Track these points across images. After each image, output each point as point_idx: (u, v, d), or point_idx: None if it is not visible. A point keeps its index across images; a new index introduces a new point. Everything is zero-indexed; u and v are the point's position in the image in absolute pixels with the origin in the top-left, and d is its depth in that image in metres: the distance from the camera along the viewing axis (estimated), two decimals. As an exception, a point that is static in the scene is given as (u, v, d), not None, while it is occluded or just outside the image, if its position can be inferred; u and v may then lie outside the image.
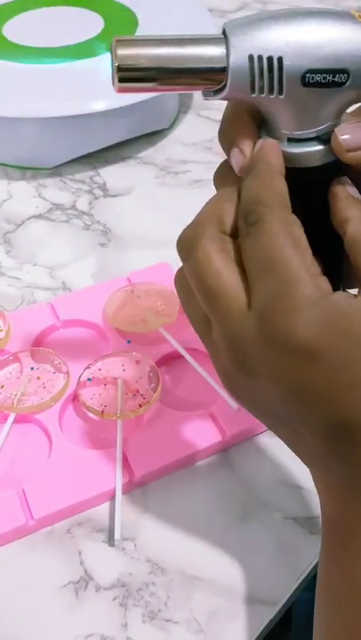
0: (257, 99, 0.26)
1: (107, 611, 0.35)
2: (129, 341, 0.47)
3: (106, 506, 0.39)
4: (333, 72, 0.25)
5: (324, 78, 0.26)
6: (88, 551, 0.37)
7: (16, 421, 0.42)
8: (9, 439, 0.41)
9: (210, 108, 0.73)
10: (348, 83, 0.26)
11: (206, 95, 0.27)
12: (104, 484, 0.39)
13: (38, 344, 0.47)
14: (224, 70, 0.25)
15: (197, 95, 0.75)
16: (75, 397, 0.44)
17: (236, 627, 0.35)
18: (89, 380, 0.44)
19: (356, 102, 0.27)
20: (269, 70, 0.25)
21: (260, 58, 0.25)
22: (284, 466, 0.41)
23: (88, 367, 0.44)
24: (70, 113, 0.60)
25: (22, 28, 0.70)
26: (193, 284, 0.27)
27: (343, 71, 0.25)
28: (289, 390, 0.25)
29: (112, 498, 0.39)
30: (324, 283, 0.25)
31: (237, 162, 0.27)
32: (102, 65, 0.64)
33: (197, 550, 0.37)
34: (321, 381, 0.24)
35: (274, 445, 0.42)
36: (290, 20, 0.25)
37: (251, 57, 0.25)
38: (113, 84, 0.26)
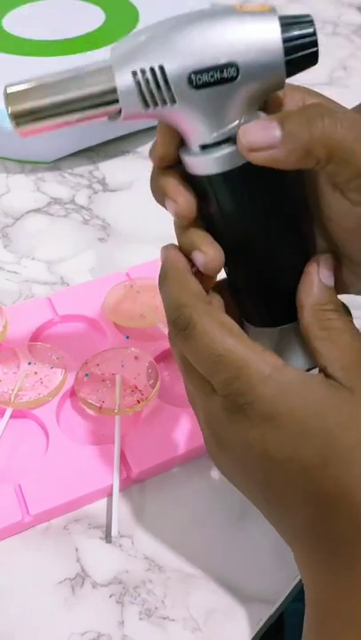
0: (154, 113, 0.26)
1: (103, 608, 0.35)
2: (127, 337, 0.46)
3: (103, 502, 0.39)
4: (220, 68, 0.25)
5: (212, 76, 0.25)
6: (85, 548, 0.37)
7: (13, 417, 0.41)
8: (6, 434, 0.41)
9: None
10: (239, 76, 0.25)
11: (112, 119, 0.27)
12: (101, 480, 0.39)
13: (36, 339, 0.47)
14: (115, 94, 0.26)
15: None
16: (72, 393, 0.43)
17: (234, 625, 0.34)
18: (87, 375, 0.43)
19: (259, 96, 0.26)
20: (155, 82, 0.25)
21: (142, 71, 0.25)
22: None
23: (86, 363, 0.44)
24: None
25: (22, 21, 0.69)
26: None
27: (230, 65, 0.25)
28: (259, 462, 0.27)
29: (109, 494, 0.39)
30: (271, 356, 0.27)
31: (172, 210, 0.29)
32: (102, 58, 0.64)
33: (195, 548, 0.37)
34: (286, 450, 0.26)
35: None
36: (167, 28, 0.26)
37: (134, 72, 0.25)
38: (14, 127, 0.26)
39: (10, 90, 0.26)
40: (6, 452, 0.41)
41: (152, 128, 0.68)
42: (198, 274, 0.30)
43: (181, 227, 0.30)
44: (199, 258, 0.29)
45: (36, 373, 0.44)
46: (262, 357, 0.27)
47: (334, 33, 0.85)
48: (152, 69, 0.25)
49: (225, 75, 0.25)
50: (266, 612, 0.35)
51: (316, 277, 0.29)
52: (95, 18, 0.69)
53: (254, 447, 0.27)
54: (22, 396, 0.42)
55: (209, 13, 0.26)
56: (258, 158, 0.26)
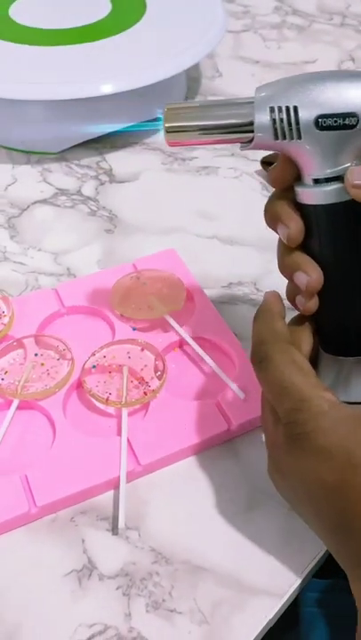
0: (280, 144, 0.32)
1: (110, 600, 0.34)
2: (134, 329, 0.46)
3: (110, 494, 0.39)
4: (343, 116, 0.31)
5: (335, 122, 0.31)
6: (92, 540, 0.37)
7: (19, 408, 0.41)
8: (12, 426, 0.41)
9: (218, 94, 0.72)
10: (358, 125, 0.31)
11: (243, 146, 0.33)
12: (108, 472, 0.38)
13: (42, 330, 0.46)
14: (252, 124, 0.32)
15: (205, 80, 0.74)
16: (79, 384, 0.43)
17: (241, 618, 0.34)
18: (94, 367, 0.43)
19: None
20: (288, 118, 0.31)
21: (279, 108, 0.31)
22: (290, 456, 0.40)
23: (93, 354, 0.44)
24: (77, 96, 0.59)
25: (29, 10, 0.69)
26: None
27: (352, 115, 0.31)
28: (313, 488, 0.30)
29: (116, 486, 0.38)
30: (331, 395, 0.31)
31: (284, 234, 0.34)
32: (110, 47, 0.63)
33: (202, 540, 0.37)
34: (336, 478, 0.29)
35: (280, 436, 0.41)
36: (305, 78, 0.31)
37: (271, 108, 0.31)
38: (165, 137, 0.33)
39: (169, 106, 0.33)
40: (13, 443, 0.40)
41: (160, 119, 0.67)
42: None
43: (286, 250, 0.34)
44: (302, 278, 0.33)
45: (42, 365, 0.44)
46: (323, 394, 0.31)
47: (343, 24, 0.84)
48: (287, 108, 0.31)
49: (346, 122, 0.31)
50: (274, 606, 0.34)
51: None
52: (102, 7, 0.69)
53: (308, 474, 0.30)
54: (29, 388, 0.42)
55: (338, 73, 0.32)
56: (357, 195, 0.31)
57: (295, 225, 0.33)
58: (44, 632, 0.33)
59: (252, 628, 0.34)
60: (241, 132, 0.32)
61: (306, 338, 0.35)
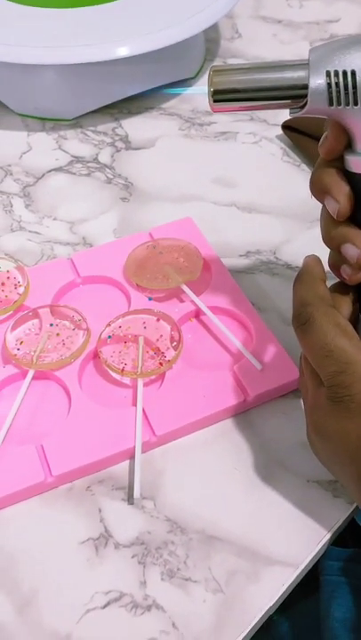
0: (335, 111, 0.30)
1: (126, 568, 0.35)
2: (150, 298, 0.46)
3: (126, 464, 0.39)
4: None
5: None
6: (108, 509, 0.37)
7: (35, 378, 0.41)
8: (28, 396, 0.41)
9: (238, 56, 0.70)
10: None
11: (293, 112, 0.31)
12: (124, 442, 0.38)
13: (58, 300, 0.46)
14: (306, 87, 0.30)
15: (224, 42, 0.72)
16: (95, 355, 0.43)
17: (256, 588, 0.34)
18: (109, 337, 0.43)
19: None
20: (345, 83, 0.29)
21: (335, 73, 0.29)
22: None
23: (109, 325, 0.43)
24: (92, 59, 0.57)
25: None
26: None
27: None
28: (355, 450, 0.30)
29: (132, 456, 0.38)
30: None
31: (333, 209, 0.33)
32: (125, 9, 0.61)
33: (217, 510, 0.37)
34: None
35: (296, 407, 0.41)
36: None
37: (328, 72, 0.29)
38: (209, 104, 0.31)
39: (215, 68, 0.31)
40: (28, 413, 0.41)
41: (177, 83, 0.66)
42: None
43: (332, 222, 0.33)
44: (351, 251, 0.33)
45: (58, 335, 0.43)
46: None
47: (369, -20, 0.80)
48: (344, 72, 0.29)
49: None
50: (290, 576, 0.34)
51: None
52: (117, -34, 0.67)
53: (351, 436, 0.30)
54: (44, 358, 0.42)
55: None
56: None
57: (346, 199, 0.32)
58: (60, 598, 0.34)
59: (268, 597, 0.34)
60: (294, 96, 0.30)
61: (347, 305, 0.35)
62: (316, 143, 0.56)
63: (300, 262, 0.50)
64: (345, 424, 0.31)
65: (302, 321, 0.32)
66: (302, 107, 0.31)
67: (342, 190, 0.32)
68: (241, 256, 0.51)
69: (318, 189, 0.33)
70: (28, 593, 0.34)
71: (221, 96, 0.31)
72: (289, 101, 0.31)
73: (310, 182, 0.34)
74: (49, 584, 0.34)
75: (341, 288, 0.35)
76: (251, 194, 0.55)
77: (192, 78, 0.67)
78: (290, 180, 0.57)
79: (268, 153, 0.59)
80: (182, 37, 0.59)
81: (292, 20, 0.74)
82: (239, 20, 0.75)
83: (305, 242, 0.51)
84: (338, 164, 0.33)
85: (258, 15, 0.76)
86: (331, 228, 0.34)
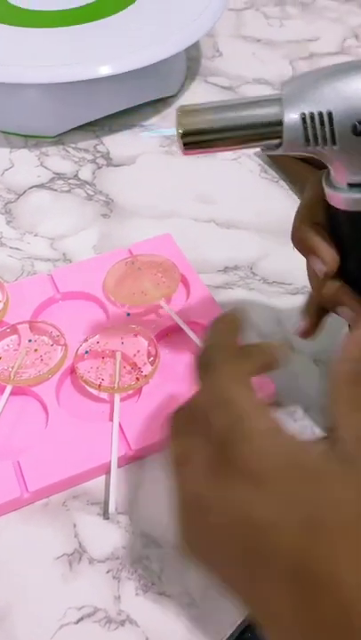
0: (313, 150, 0.29)
1: (100, 583, 0.35)
2: (128, 314, 0.46)
3: (102, 479, 0.39)
4: None
5: None
6: (83, 524, 0.37)
7: (13, 394, 0.42)
8: (5, 412, 0.41)
9: (218, 74, 0.71)
10: None
11: (267, 150, 0.30)
12: (100, 457, 0.39)
13: (37, 316, 0.46)
14: (281, 124, 0.28)
15: (205, 61, 0.73)
16: (72, 370, 0.43)
17: (230, 602, 0.34)
18: (87, 352, 0.43)
19: None
20: (321, 125, 0.28)
21: (311, 115, 0.28)
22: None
23: (86, 340, 0.44)
24: (74, 78, 0.58)
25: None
26: None
27: None
28: (239, 526, 0.23)
29: (108, 471, 0.39)
30: (274, 415, 0.25)
31: (320, 270, 0.32)
32: (107, 28, 0.62)
33: (192, 525, 0.37)
34: (267, 513, 0.22)
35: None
36: (338, 76, 0.28)
37: (303, 115, 0.28)
38: (180, 148, 0.29)
39: (183, 108, 0.29)
40: (6, 429, 0.41)
41: (158, 101, 0.67)
42: None
43: (323, 279, 0.33)
44: (347, 314, 0.33)
45: (36, 351, 0.44)
46: (265, 414, 0.25)
47: (347, 0, 0.82)
48: (320, 114, 0.28)
49: None
50: (262, 590, 0.35)
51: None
52: (99, -13, 0.68)
53: (236, 508, 0.23)
54: (22, 374, 0.42)
55: None
56: None
57: (332, 260, 0.32)
58: (34, 614, 0.34)
59: (241, 611, 0.34)
60: (268, 133, 0.28)
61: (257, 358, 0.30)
62: (292, 159, 0.58)
63: (276, 278, 0.51)
64: (230, 490, 0.24)
65: (205, 366, 0.28)
66: (278, 145, 0.29)
67: (328, 252, 0.32)
68: (219, 271, 0.51)
69: (302, 248, 0.33)
70: (3, 608, 0.34)
71: (192, 138, 0.29)
72: (264, 142, 0.29)
73: (293, 238, 0.34)
74: (23, 599, 0.34)
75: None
76: (230, 210, 0.56)
77: (173, 96, 0.68)
78: (268, 196, 0.57)
79: (246, 170, 0.60)
80: (164, 56, 0.60)
81: (272, 39, 0.75)
82: (220, 39, 0.76)
83: (282, 257, 0.52)
84: (320, 216, 0.32)
85: (238, 34, 0.77)
86: (320, 283, 0.34)
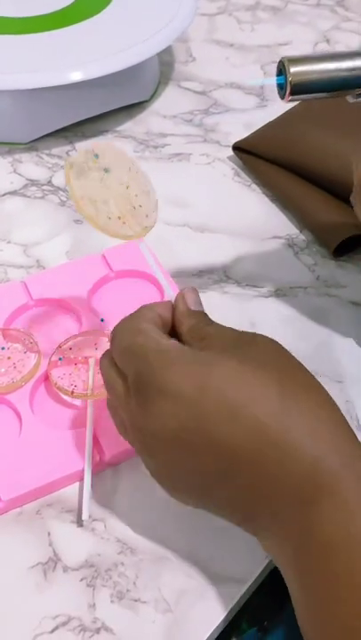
0: None
1: (75, 591, 0.35)
2: (102, 319, 0.46)
3: (76, 486, 0.39)
4: None
5: None
6: (57, 532, 0.37)
7: (-15, 402, 0.41)
8: (-22, 420, 0.41)
9: (191, 79, 0.71)
10: None
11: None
12: (74, 464, 0.38)
13: (10, 324, 0.46)
14: None
15: (178, 66, 0.73)
16: (46, 377, 0.43)
17: (205, 605, 0.34)
18: (60, 359, 0.43)
19: None
20: None
21: None
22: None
23: (59, 346, 0.44)
24: (46, 84, 0.58)
25: (-5, -3, 0.68)
26: None
27: None
28: (174, 440, 0.30)
29: (82, 478, 0.38)
30: (175, 341, 0.33)
31: None
32: (79, 33, 0.62)
33: (167, 530, 0.37)
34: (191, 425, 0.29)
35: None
36: None
37: None
38: (283, 96, 0.32)
39: (290, 58, 0.32)
40: (-21, 437, 0.40)
41: (131, 106, 0.67)
42: None
43: None
44: None
45: (9, 358, 0.43)
46: (164, 340, 0.32)
47: (318, 4, 0.83)
48: None
49: None
50: (237, 592, 0.35)
51: (185, 306, 0.35)
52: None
53: (166, 426, 0.30)
54: (-5, 382, 0.42)
55: None
56: None
57: None
58: (8, 624, 0.34)
59: (216, 615, 0.34)
60: None
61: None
62: (266, 163, 0.58)
63: (250, 280, 0.51)
64: (155, 419, 0.30)
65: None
66: None
67: None
68: (193, 275, 0.51)
69: None
70: (-24, 620, 0.34)
71: (300, 87, 0.32)
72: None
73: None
74: (-3, 610, 0.34)
75: None
76: (203, 214, 0.56)
77: (147, 101, 0.68)
78: (241, 199, 0.58)
79: (220, 174, 0.60)
80: (136, 61, 0.60)
81: (244, 44, 0.76)
82: (193, 44, 0.77)
83: (255, 260, 0.52)
84: None
85: (211, 39, 0.78)
86: None
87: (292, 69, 0.31)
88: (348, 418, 0.38)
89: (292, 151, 0.57)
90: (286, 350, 0.32)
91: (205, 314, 0.35)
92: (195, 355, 0.31)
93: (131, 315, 0.34)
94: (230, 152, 0.61)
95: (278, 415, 0.28)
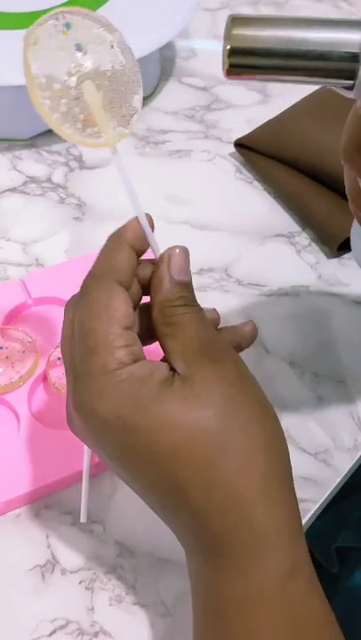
0: None
1: (73, 594, 0.34)
2: (102, 319, 0.45)
3: (75, 488, 0.38)
4: None
5: None
6: (56, 534, 0.37)
7: (-17, 402, 0.41)
8: (-24, 421, 0.40)
9: (193, 75, 0.71)
10: None
11: (338, 88, 0.23)
12: (73, 465, 0.38)
13: (8, 322, 0.46)
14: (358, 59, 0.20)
15: (179, 61, 0.73)
16: (45, 377, 0.43)
17: (205, 609, 0.34)
18: (59, 358, 0.43)
19: None
20: None
21: None
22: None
23: (58, 346, 0.43)
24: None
25: (-5, -8, 0.67)
26: None
27: None
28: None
29: (81, 480, 0.38)
30: (125, 355, 0.27)
31: None
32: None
33: (166, 533, 0.36)
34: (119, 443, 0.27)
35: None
36: None
37: None
38: (222, 68, 0.22)
39: (236, 16, 0.21)
40: (-23, 438, 0.40)
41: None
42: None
43: None
44: None
45: (7, 358, 0.43)
46: (116, 351, 0.27)
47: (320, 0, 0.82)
48: None
49: None
50: (237, 596, 0.34)
51: (167, 273, 0.29)
52: (70, -12, 0.67)
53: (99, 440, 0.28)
54: (-7, 382, 0.41)
55: None
56: None
57: None
58: (6, 627, 0.33)
59: (216, 619, 0.34)
60: (343, 71, 0.21)
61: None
62: (269, 160, 0.57)
63: (251, 279, 0.50)
64: (88, 433, 0.29)
65: (82, 293, 0.29)
66: (353, 86, 0.22)
67: None
68: (194, 274, 0.50)
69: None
70: (-27, 624, 0.33)
71: (240, 59, 0.22)
72: (336, 75, 0.21)
73: (345, 149, 0.28)
74: (-5, 614, 0.34)
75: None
76: (204, 211, 0.56)
77: (147, 97, 0.67)
78: (242, 197, 0.57)
79: (221, 170, 0.60)
80: (137, 56, 0.59)
81: (247, 39, 0.75)
82: (195, 39, 0.76)
83: (256, 258, 0.51)
84: None
85: (213, 34, 0.77)
86: None
87: (235, 31, 0.21)
88: (350, 418, 0.38)
89: (294, 148, 0.56)
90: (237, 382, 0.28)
91: (189, 288, 0.30)
92: (133, 386, 0.27)
93: (111, 264, 0.29)
94: (232, 149, 0.60)
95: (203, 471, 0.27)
